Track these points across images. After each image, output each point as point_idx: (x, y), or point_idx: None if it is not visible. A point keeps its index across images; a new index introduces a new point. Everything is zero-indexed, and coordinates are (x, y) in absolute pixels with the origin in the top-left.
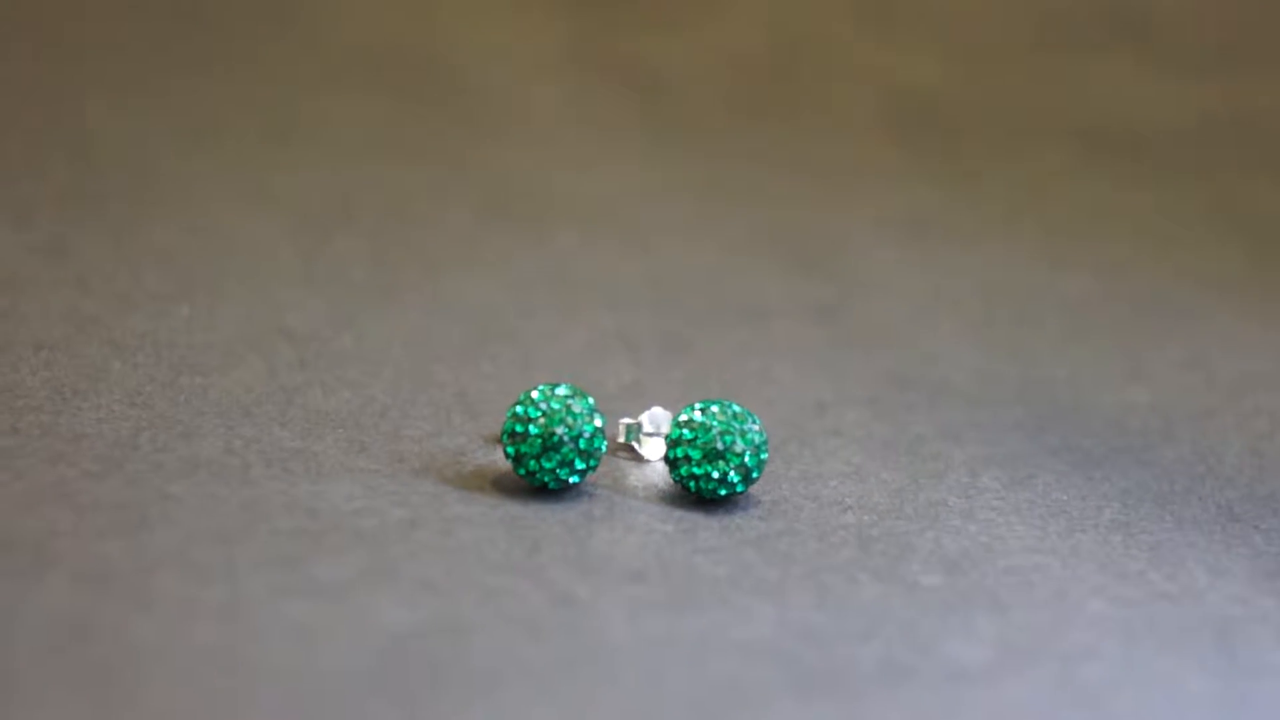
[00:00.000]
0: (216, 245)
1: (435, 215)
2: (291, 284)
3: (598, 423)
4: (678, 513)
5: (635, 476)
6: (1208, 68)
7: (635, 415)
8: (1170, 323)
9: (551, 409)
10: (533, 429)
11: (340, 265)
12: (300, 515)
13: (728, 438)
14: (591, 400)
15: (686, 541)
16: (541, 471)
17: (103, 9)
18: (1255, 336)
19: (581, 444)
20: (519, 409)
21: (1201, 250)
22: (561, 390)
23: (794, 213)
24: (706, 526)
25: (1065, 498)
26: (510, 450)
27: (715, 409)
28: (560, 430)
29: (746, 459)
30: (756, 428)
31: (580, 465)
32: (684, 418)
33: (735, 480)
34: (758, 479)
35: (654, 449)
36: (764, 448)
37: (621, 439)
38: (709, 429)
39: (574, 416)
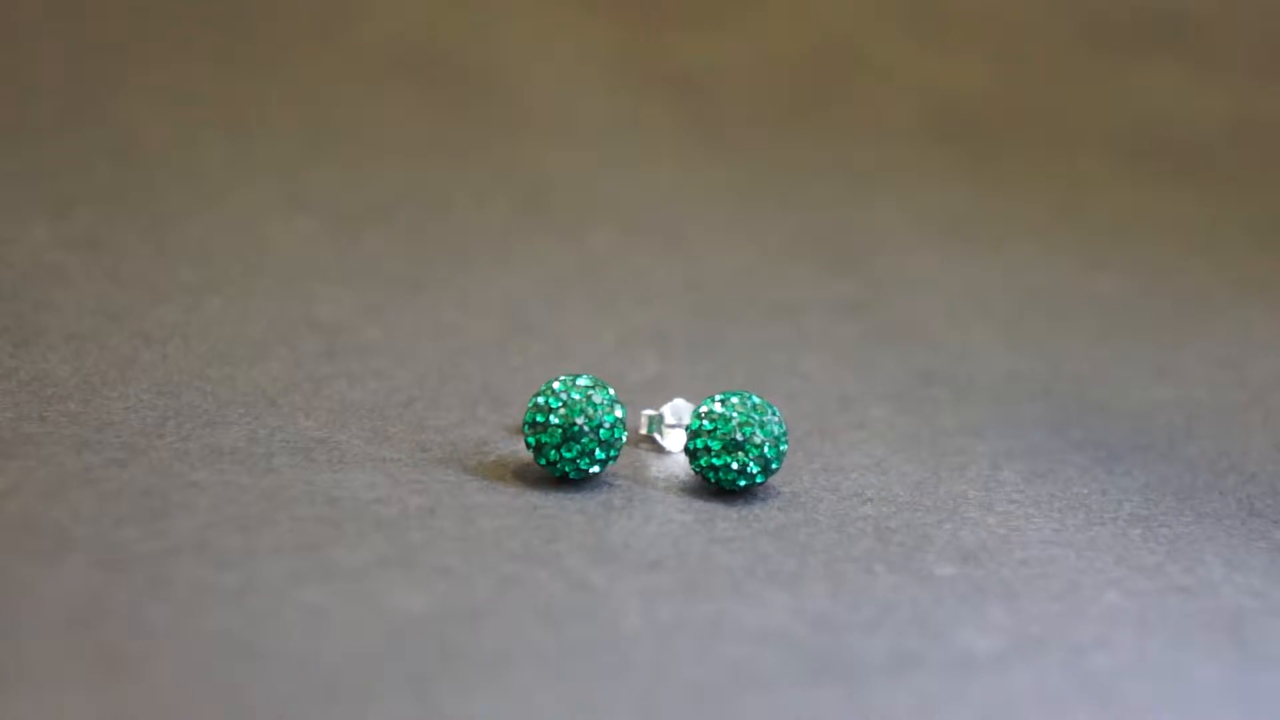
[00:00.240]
0: (251, 241)
1: (472, 213)
2: (324, 278)
3: (618, 413)
4: (697, 503)
5: (656, 467)
6: (1248, 72)
7: (659, 407)
8: (1203, 323)
9: (572, 399)
10: (554, 419)
11: (373, 260)
12: (321, 503)
13: (747, 429)
14: (612, 391)
15: (704, 531)
16: (562, 461)
17: (148, 13)
18: None
19: (602, 434)
20: (540, 399)
21: (1238, 253)
22: (583, 381)
23: (831, 213)
24: (725, 517)
25: (1085, 492)
26: (531, 440)
27: (735, 400)
28: (581, 420)
29: (766, 450)
30: (776, 419)
31: (600, 455)
32: (704, 409)
33: (755, 471)
34: (778, 470)
35: (676, 440)
36: (784, 439)
37: (644, 430)
38: (728, 420)
39: (594, 407)
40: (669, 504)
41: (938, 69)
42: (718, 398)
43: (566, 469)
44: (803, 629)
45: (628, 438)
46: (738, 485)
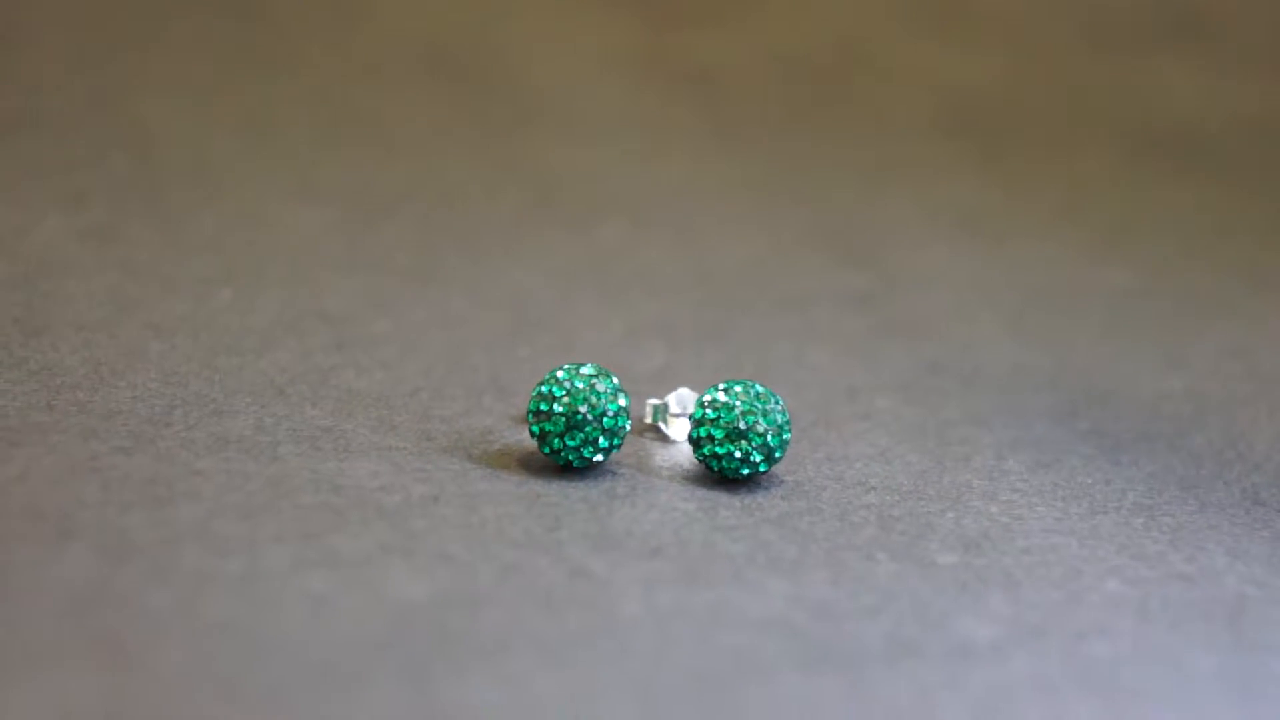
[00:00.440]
0: (263, 233)
1: (484, 207)
2: (334, 270)
3: (621, 402)
4: (700, 492)
5: (660, 456)
6: (1258, 69)
7: (664, 397)
8: (1213, 317)
9: (576, 388)
10: (557, 407)
11: (383, 252)
12: (325, 491)
13: (750, 418)
14: (616, 380)
15: (706, 519)
16: (565, 450)
17: (161, 7)
18: None
19: (605, 422)
20: (544, 388)
21: (1248, 247)
22: (586, 369)
23: (841, 207)
24: (728, 505)
25: (1090, 481)
26: (535, 428)
27: (738, 389)
28: (584, 409)
29: (769, 439)
30: (779, 408)
31: (604, 444)
32: (707, 398)
33: (758, 460)
34: (781, 459)
35: (680, 429)
36: (787, 428)
37: (648, 419)
38: (731, 409)
39: (598, 395)
40: (672, 492)
41: (947, 66)
42: (721, 386)
43: (570, 457)
44: (802, 617)
45: (632, 427)
46: (741, 474)
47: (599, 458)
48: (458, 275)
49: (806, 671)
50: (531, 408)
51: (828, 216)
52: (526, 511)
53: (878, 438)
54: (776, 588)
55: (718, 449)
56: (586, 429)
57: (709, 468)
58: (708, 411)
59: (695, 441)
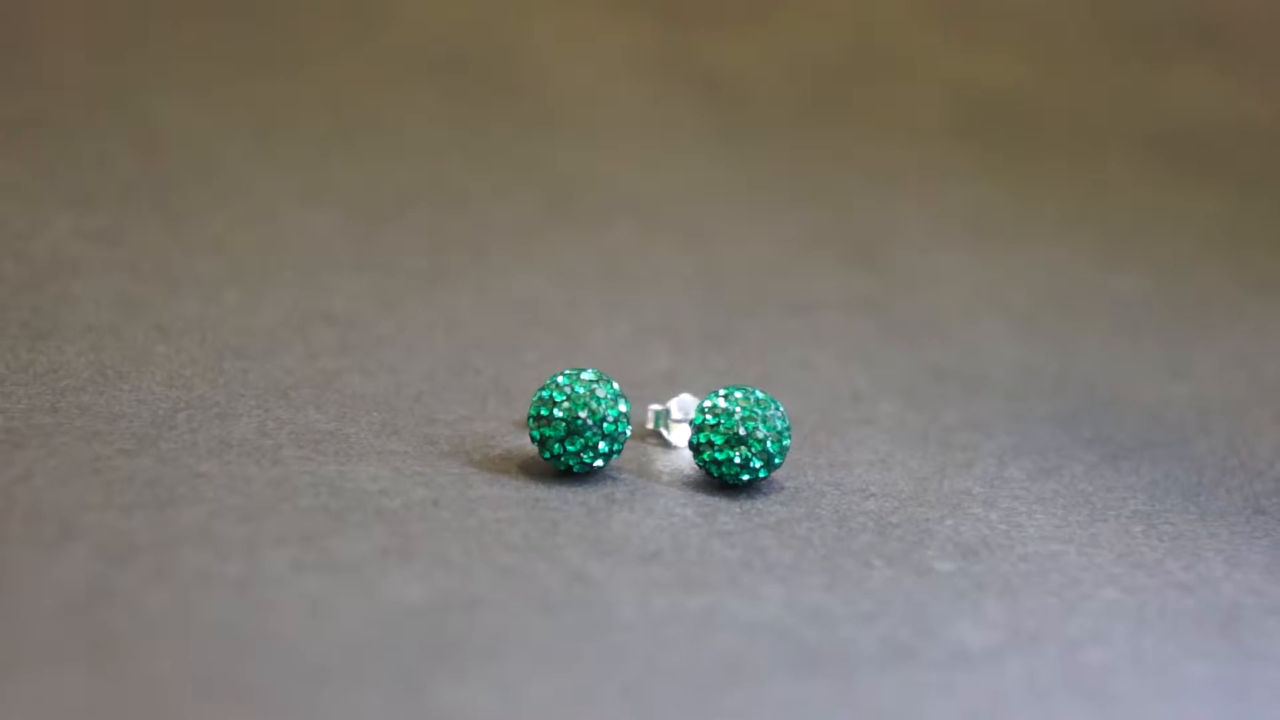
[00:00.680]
0: (270, 236)
1: (493, 210)
2: (340, 273)
3: (622, 407)
4: (700, 497)
5: (661, 462)
6: (1275, 75)
7: (666, 402)
8: (1219, 323)
9: (576, 393)
10: (557, 412)
11: (391, 255)
12: (325, 494)
13: (749, 424)
14: (617, 385)
15: (705, 525)
16: (565, 455)
17: (173, 10)
18: None
19: (605, 428)
20: (544, 393)
21: (1257, 253)
22: (587, 375)
23: (853, 210)
24: (727, 511)
25: (1090, 488)
26: (535, 434)
27: (739, 395)
28: (584, 414)
29: (768, 445)
30: (779, 414)
31: (604, 449)
32: (707, 404)
33: (757, 465)
34: (780, 465)
35: (682, 435)
36: (787, 434)
37: (650, 425)
38: (731, 414)
39: (598, 401)
40: (671, 498)
41: (960, 68)
42: (721, 392)
43: (570, 462)
44: (796, 622)
45: (634, 432)
46: (740, 479)
47: (599, 463)
48: (465, 278)
49: (799, 676)
50: (532, 413)
51: (838, 219)
52: (525, 516)
53: (879, 443)
54: (772, 593)
55: (717, 454)
56: (586, 434)
57: (709, 473)
58: (708, 417)
59: (695, 447)
